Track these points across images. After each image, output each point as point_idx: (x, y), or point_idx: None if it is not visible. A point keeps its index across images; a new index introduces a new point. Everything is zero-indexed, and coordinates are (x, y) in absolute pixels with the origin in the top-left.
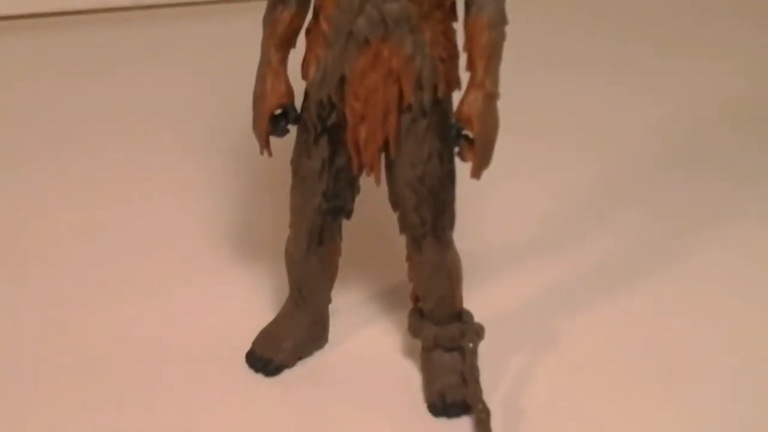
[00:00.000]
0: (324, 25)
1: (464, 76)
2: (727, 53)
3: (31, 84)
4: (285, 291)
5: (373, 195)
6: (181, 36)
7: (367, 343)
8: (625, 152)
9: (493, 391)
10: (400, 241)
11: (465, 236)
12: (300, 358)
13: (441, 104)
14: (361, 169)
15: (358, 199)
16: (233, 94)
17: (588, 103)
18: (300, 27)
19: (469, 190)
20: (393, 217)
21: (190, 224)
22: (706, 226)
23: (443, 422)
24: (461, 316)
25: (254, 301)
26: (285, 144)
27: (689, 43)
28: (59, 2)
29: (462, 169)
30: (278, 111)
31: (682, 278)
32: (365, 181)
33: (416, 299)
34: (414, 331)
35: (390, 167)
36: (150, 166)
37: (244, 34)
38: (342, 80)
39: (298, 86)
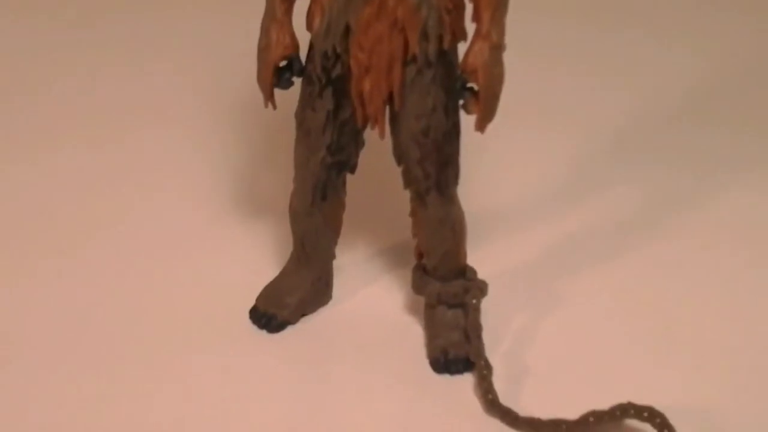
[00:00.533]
0: None
1: (470, 28)
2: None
3: (22, 66)
4: (289, 247)
5: (377, 150)
6: None
7: (371, 299)
8: (632, 113)
9: (496, 347)
10: (404, 197)
11: (470, 193)
12: (303, 315)
13: (446, 55)
14: (365, 121)
15: (362, 154)
16: (237, 48)
17: (595, 55)
18: None
19: (473, 145)
20: (397, 172)
21: (194, 180)
22: (710, 189)
23: (445, 378)
24: (465, 272)
25: (258, 258)
26: (289, 98)
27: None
28: None
29: (466, 124)
30: (283, 63)
31: (686, 240)
32: (369, 136)
33: (420, 256)
34: (417, 287)
35: (394, 120)
36: (154, 123)
37: None
38: (347, 31)
39: (303, 37)
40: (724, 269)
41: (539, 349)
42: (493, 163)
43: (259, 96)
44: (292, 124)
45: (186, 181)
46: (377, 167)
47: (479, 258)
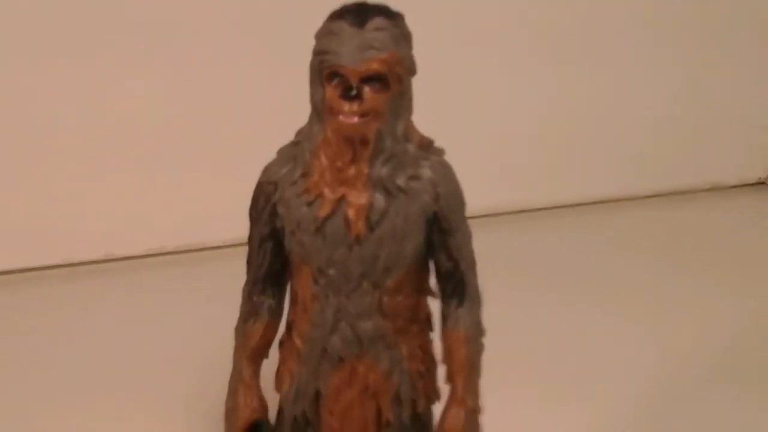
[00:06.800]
0: (297, 341)
1: (443, 385)
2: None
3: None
4: None
5: None
6: (154, 290)
7: None
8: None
9: None
10: None
11: None
12: None
13: (420, 418)
14: None
15: None
16: (210, 375)
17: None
18: (272, 338)
19: None
20: None
21: None
22: None
23: None
24: None
25: None
26: None
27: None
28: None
29: None
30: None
31: None
32: None
33: None
34: None
35: None
36: None
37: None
38: (317, 396)
39: (270, 394)
40: None
41: None
42: None
43: None
44: None
45: None
46: None
47: None
